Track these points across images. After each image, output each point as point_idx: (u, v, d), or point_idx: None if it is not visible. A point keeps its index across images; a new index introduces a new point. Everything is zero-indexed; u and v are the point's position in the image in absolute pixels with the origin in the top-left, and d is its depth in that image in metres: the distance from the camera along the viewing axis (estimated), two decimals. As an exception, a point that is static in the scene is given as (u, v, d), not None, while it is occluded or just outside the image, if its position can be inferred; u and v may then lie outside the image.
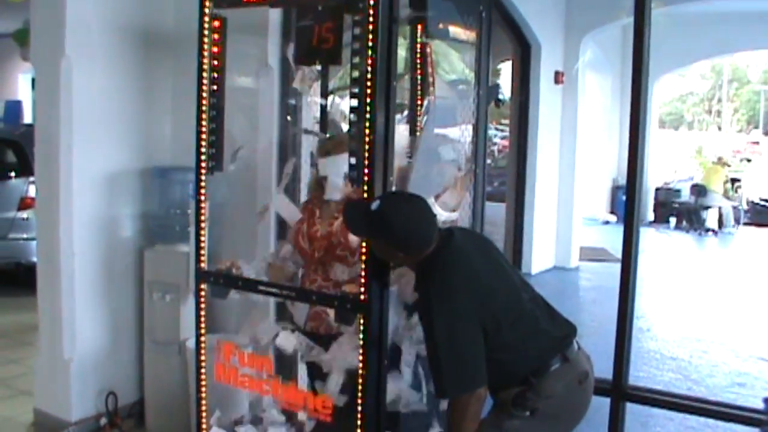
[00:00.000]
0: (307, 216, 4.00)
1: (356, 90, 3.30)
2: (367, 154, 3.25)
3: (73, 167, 4.98)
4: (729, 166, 17.87)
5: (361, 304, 3.34)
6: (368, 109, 3.24)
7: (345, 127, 3.75)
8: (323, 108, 4.32)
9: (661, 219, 17.19)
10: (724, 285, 11.25)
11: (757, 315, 9.43)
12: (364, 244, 3.34)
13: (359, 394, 3.38)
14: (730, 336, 8.35)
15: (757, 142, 34.72)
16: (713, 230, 16.14)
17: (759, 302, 10.10)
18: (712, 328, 8.72)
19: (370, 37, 3.22)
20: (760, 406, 2.74)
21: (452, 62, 4.23)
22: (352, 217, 3.28)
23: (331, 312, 3.68)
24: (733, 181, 17.72)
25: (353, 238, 3.66)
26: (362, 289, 3.34)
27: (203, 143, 3.88)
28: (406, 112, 4.09)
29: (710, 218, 16.26)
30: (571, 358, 3.17)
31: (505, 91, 11.34)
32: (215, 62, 3.88)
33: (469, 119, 4.03)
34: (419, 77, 4.21)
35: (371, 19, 3.22)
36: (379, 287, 3.35)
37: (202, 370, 4.04)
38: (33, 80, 5.87)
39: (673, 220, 17.03)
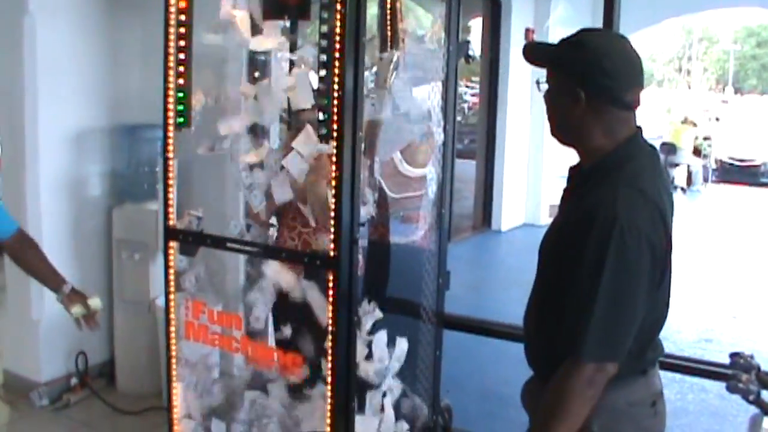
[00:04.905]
0: None
1: (325, 45, 3.25)
2: (336, 110, 3.21)
3: (38, 126, 4.92)
4: (696, 125, 17.97)
5: (330, 260, 3.30)
6: (337, 64, 3.20)
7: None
8: (292, 63, 4.27)
9: (631, 177, 17.24)
10: (693, 242, 11.34)
11: (724, 272, 9.54)
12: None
13: (329, 354, 3.34)
14: (697, 293, 8.46)
15: (727, 101, 34.92)
16: (682, 188, 16.26)
17: (726, 259, 10.22)
18: (679, 285, 8.73)
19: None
20: (727, 361, 2.76)
21: (419, 17, 4.18)
22: (537, 45, 2.59)
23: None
24: (704, 139, 17.83)
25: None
26: (332, 245, 3.29)
27: (171, 99, 3.82)
28: (375, 68, 4.05)
29: (679, 176, 16.35)
30: (650, 373, 2.43)
31: (476, 47, 11.30)
32: (182, 17, 3.82)
33: (438, 76, 4.00)
34: (389, 33, 4.17)
35: (340, -28, 3.16)
36: (349, 243, 3.31)
37: (172, 329, 4.02)
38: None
39: (642, 178, 17.07)
